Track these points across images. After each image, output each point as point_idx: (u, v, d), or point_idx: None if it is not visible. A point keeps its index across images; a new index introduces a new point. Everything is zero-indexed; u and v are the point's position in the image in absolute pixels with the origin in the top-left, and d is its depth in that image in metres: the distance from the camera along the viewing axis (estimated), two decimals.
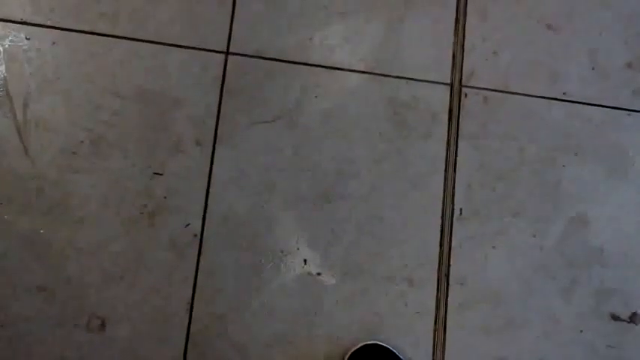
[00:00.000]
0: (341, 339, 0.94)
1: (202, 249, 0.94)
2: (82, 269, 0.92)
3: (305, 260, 0.96)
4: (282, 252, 0.96)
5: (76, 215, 0.93)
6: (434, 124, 1.02)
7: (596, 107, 1.05)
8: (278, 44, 1.01)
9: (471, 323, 0.97)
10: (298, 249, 0.96)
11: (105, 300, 0.92)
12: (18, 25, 0.96)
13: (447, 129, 1.02)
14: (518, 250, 1.00)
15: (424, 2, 1.05)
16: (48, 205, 0.93)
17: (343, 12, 1.03)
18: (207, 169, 0.96)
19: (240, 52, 1.00)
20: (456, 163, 1.01)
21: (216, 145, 0.97)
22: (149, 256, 0.93)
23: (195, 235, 0.95)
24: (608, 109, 1.05)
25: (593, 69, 1.07)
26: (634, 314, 1.00)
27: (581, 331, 0.99)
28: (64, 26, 0.97)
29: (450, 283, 0.98)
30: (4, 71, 0.94)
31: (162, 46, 0.98)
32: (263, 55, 1.00)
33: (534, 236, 1.00)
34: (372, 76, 1.02)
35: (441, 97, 1.02)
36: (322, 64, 1.01)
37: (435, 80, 1.03)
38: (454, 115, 1.02)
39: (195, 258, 0.94)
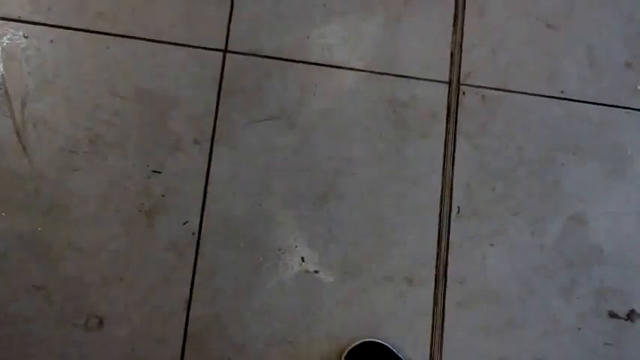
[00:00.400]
0: (339, 338, 0.94)
1: (200, 248, 0.94)
2: (81, 268, 0.92)
3: (302, 258, 0.96)
4: (280, 250, 0.96)
5: (74, 214, 0.93)
6: (432, 123, 1.02)
7: (595, 106, 1.05)
8: (276, 43, 1.01)
9: (470, 322, 0.97)
10: (296, 247, 0.96)
11: (103, 299, 0.91)
12: (16, 23, 0.96)
13: (445, 128, 1.02)
14: (517, 249, 1.00)
15: (423, 1, 1.05)
16: (46, 204, 0.92)
17: (342, 10, 1.03)
18: (206, 168, 0.96)
19: (239, 51, 1.00)
20: (454, 162, 1.01)
21: (215, 144, 0.97)
22: (148, 255, 0.93)
23: (193, 234, 0.94)
24: (607, 107, 1.05)
25: (591, 68, 1.06)
26: (631, 312, 1.00)
27: (579, 329, 0.99)
28: (63, 24, 0.97)
29: (449, 282, 0.98)
30: (2, 70, 0.94)
31: (160, 45, 0.98)
32: (261, 54, 1.00)
33: (533, 235, 1.00)
34: (370, 74, 1.02)
35: (439, 95, 1.02)
36: (321, 62, 1.01)
37: (434, 79, 1.03)
38: (452, 113, 1.02)
39: (193, 257, 0.94)
